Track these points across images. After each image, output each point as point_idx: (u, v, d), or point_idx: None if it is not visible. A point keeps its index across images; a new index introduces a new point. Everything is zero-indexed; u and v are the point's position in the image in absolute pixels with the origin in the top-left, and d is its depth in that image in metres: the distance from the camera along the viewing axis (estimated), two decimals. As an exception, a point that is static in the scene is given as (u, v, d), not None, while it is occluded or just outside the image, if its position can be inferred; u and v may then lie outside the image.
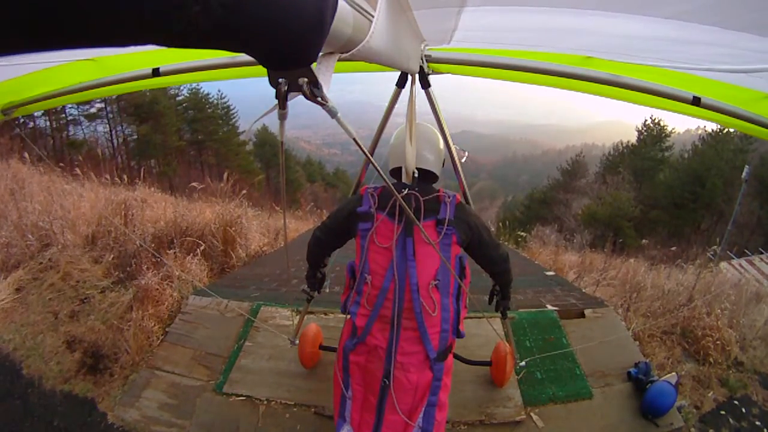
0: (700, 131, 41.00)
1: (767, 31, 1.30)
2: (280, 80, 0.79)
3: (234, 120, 46.41)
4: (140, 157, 37.76)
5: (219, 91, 45.47)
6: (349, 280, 2.27)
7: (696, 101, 1.76)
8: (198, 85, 43.80)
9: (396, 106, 2.38)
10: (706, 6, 1.27)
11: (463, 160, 2.49)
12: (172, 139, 39.98)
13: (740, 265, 18.12)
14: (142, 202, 7.11)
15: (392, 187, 1.31)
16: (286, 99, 0.83)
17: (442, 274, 1.99)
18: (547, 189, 43.30)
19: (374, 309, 2.01)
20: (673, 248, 12.42)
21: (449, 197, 2.04)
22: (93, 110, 36.24)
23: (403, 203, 1.50)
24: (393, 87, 2.25)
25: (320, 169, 66.53)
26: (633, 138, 41.06)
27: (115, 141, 38.48)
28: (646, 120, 39.85)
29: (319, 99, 0.80)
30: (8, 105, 2.43)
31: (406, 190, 2.00)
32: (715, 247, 8.62)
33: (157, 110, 37.82)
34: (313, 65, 0.80)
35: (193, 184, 8.35)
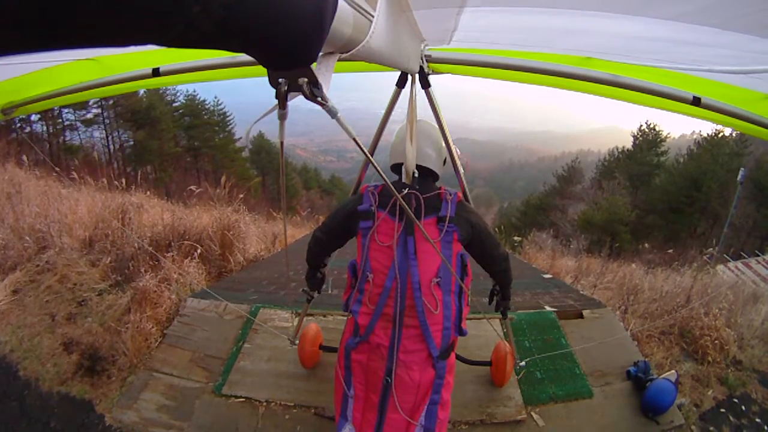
0: (695, 136, 41.32)
1: (767, 32, 1.31)
2: (280, 80, 0.79)
3: (230, 127, 46.47)
4: (136, 163, 37.65)
5: (215, 97, 45.62)
6: (350, 279, 2.27)
7: (696, 101, 1.76)
8: (194, 92, 43.96)
9: (395, 107, 2.39)
10: (707, 7, 1.27)
11: (464, 165, 2.49)
12: (168, 146, 39.97)
13: (737, 267, 18.18)
14: (139, 207, 7.09)
15: (392, 187, 1.32)
16: (286, 99, 0.83)
17: (444, 271, 1.99)
18: (543, 195, 43.49)
19: (377, 308, 2.01)
20: (670, 251, 12.44)
21: (451, 195, 2.05)
22: (90, 116, 36.21)
23: (403, 203, 1.50)
24: (389, 94, 2.26)
25: (316, 176, 66.51)
26: (628, 143, 41.33)
27: (111, 146, 38.42)
28: (641, 125, 40.16)
29: (319, 99, 0.80)
30: (8, 105, 2.43)
31: (407, 189, 2.00)
32: (711, 249, 8.65)
33: (154, 116, 37.82)
34: (313, 65, 0.81)
35: (191, 187, 8.34)
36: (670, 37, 1.55)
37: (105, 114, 36.96)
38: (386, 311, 2.00)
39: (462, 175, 2.46)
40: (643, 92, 1.81)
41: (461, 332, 2.11)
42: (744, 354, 4.19)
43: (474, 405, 3.16)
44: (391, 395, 1.98)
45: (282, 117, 0.91)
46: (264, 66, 0.63)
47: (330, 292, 4.44)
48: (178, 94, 42.51)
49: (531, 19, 1.63)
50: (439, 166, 2.20)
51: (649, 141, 39.48)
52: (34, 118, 31.17)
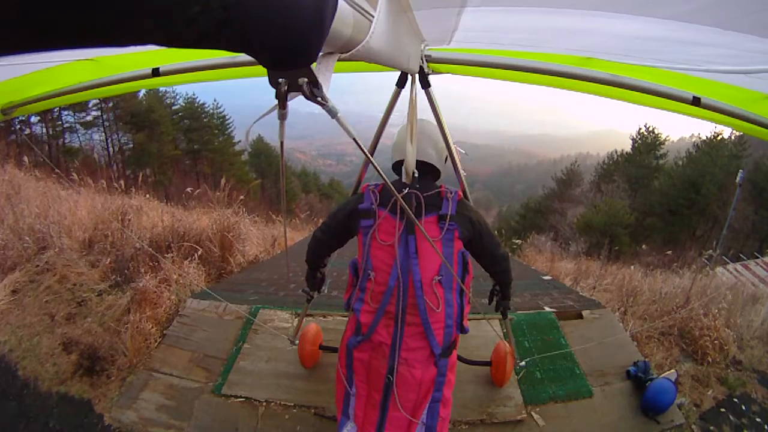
0: (694, 138, 41.37)
1: (767, 32, 1.32)
2: (280, 80, 0.79)
3: (229, 129, 46.40)
4: (136, 165, 37.60)
5: (215, 100, 45.50)
6: (351, 278, 2.27)
7: (696, 101, 1.76)
8: (194, 95, 43.92)
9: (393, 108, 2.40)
10: (706, 7, 1.26)
11: (461, 153, 2.49)
12: (167, 148, 39.91)
13: (735, 269, 18.20)
14: (138, 210, 7.10)
15: (392, 187, 1.32)
16: (286, 99, 0.83)
17: (445, 269, 1.99)
18: (542, 198, 43.46)
19: (380, 306, 2.01)
20: (669, 253, 12.45)
21: (451, 193, 2.06)
22: (89, 118, 36.16)
23: (403, 203, 1.50)
24: (386, 96, 2.27)
25: (315, 179, 66.34)
26: (627, 146, 41.42)
27: (110, 149, 38.37)
28: (640, 128, 40.24)
29: (319, 99, 0.80)
30: (8, 105, 2.43)
31: (407, 189, 2.00)
32: (710, 251, 8.67)
33: (153, 119, 37.78)
34: (313, 65, 0.81)
35: (188, 189, 8.36)
36: (670, 37, 1.55)
37: (104, 116, 36.93)
38: (389, 309, 2.00)
39: (462, 174, 2.47)
40: (642, 92, 1.81)
41: (463, 330, 2.12)
42: (743, 354, 4.19)
43: (474, 405, 3.16)
44: (393, 393, 1.98)
45: (282, 117, 0.91)
46: (264, 66, 0.63)
47: (329, 293, 4.44)
48: (178, 96, 42.57)
49: (531, 19, 1.63)
50: (440, 164, 2.20)
51: (648, 144, 39.56)
52: (33, 119, 31.16)
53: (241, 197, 7.54)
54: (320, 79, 0.80)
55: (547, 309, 4.38)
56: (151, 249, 4.69)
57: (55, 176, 8.71)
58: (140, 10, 0.33)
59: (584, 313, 4.26)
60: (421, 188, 2.02)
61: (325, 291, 2.84)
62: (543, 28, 1.79)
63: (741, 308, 5.10)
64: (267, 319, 4.03)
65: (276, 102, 0.85)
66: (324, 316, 4.07)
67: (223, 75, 2.41)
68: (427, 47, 1.91)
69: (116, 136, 38.62)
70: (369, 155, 1.16)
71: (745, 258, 21.17)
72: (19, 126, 28.50)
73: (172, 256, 5.15)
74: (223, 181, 7.49)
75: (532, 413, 3.12)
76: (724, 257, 19.26)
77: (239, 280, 5.50)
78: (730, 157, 34.04)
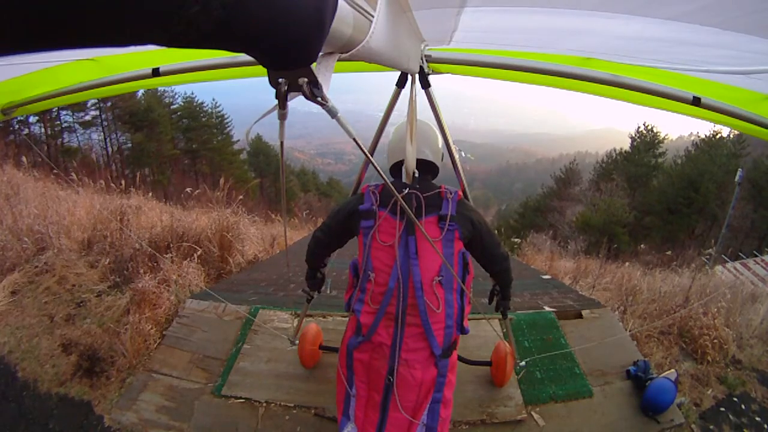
0: (693, 137, 41.39)
1: (767, 32, 1.31)
2: (280, 80, 0.79)
3: (228, 129, 46.33)
4: (134, 165, 37.64)
5: (213, 99, 45.44)
6: (352, 279, 2.27)
7: (696, 101, 1.76)
8: (192, 94, 43.86)
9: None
10: (706, 7, 1.26)
11: (462, 155, 2.50)
12: (166, 148, 39.88)
13: (735, 268, 18.21)
14: (137, 210, 7.09)
15: (392, 187, 1.31)
16: (286, 99, 0.83)
17: (446, 269, 1.99)
18: (540, 197, 43.44)
19: (380, 307, 2.01)
20: (668, 252, 12.46)
21: (451, 193, 2.05)
22: (88, 117, 36.12)
23: (403, 203, 1.50)
24: (385, 96, 2.27)
25: (314, 178, 66.27)
26: (626, 145, 41.40)
27: (109, 149, 38.32)
28: (639, 127, 40.25)
29: (319, 99, 0.80)
30: (8, 105, 2.43)
31: (407, 189, 1.99)
32: (710, 250, 8.68)
33: (152, 118, 37.75)
34: (313, 65, 0.80)
35: (187, 189, 8.36)
36: (670, 38, 1.55)
37: (103, 116, 36.89)
38: (389, 310, 2.00)
39: (462, 174, 2.47)
40: (643, 92, 1.81)
41: (463, 330, 2.12)
42: (743, 353, 4.20)
43: (474, 405, 3.16)
44: (393, 394, 1.98)
45: (282, 117, 0.91)
46: (264, 66, 0.63)
47: (329, 293, 4.46)
48: (176, 96, 42.52)
49: (531, 19, 1.63)
50: (437, 161, 2.20)
51: (646, 142, 39.57)
52: (32, 120, 31.13)
53: (240, 197, 7.53)
54: (320, 79, 0.80)
55: (547, 309, 4.39)
56: (150, 249, 4.69)
57: (54, 176, 8.71)
58: (140, 10, 0.33)
59: (584, 312, 4.27)
60: (421, 188, 2.02)
61: (327, 291, 2.84)
62: (543, 28, 1.78)
63: (740, 307, 5.11)
64: (267, 320, 4.03)
65: (276, 102, 0.85)
66: (324, 317, 4.07)
67: (223, 75, 2.40)
68: (427, 47, 1.91)
69: (115, 135, 38.58)
70: (369, 155, 1.16)
71: (744, 257, 21.23)
72: (17, 126, 28.48)
73: (171, 257, 5.14)
74: (222, 180, 7.47)
75: (532, 413, 3.12)
76: (723, 256, 19.29)
77: (239, 281, 5.49)
78: (729, 155, 34.10)
